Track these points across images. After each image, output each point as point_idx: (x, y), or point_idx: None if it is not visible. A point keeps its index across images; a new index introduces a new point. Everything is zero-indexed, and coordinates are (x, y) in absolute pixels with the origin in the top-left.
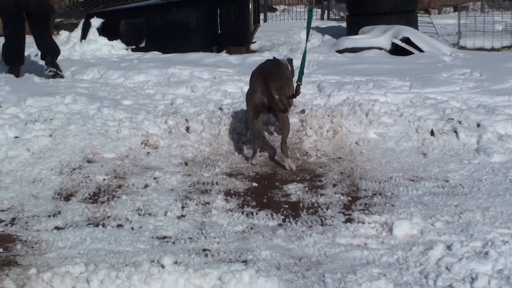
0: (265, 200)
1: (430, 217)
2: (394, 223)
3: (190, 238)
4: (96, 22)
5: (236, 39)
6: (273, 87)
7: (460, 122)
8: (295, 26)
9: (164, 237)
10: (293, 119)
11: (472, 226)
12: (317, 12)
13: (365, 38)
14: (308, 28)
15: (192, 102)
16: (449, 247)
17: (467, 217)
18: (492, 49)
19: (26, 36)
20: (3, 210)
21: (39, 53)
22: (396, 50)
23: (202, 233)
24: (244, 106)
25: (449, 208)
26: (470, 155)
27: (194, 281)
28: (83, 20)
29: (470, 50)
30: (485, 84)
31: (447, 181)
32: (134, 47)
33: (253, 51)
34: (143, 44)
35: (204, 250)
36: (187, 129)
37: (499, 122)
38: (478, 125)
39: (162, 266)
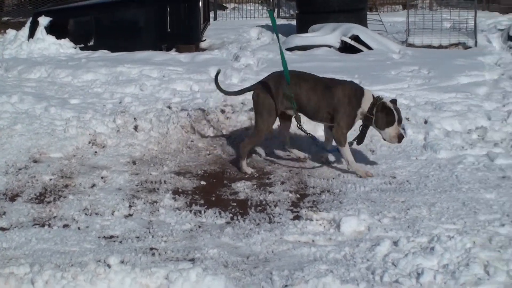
0: (213, 199)
1: (377, 214)
2: (342, 220)
3: (137, 237)
4: (44, 20)
5: (186, 37)
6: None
7: (408, 119)
8: (245, 24)
9: (111, 237)
10: (242, 117)
11: (418, 221)
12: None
13: (314, 36)
14: (275, 29)
15: (141, 101)
16: (395, 243)
17: (414, 213)
18: (440, 47)
19: None
20: None
21: None
22: (345, 48)
23: (149, 232)
24: (193, 104)
25: (396, 204)
26: (417, 152)
27: (140, 280)
28: (30, 18)
29: (419, 48)
30: (432, 81)
31: (395, 177)
32: (82, 45)
33: (203, 49)
34: (91, 43)
35: (151, 249)
36: (136, 127)
37: (446, 119)
38: (426, 122)
39: (108, 266)
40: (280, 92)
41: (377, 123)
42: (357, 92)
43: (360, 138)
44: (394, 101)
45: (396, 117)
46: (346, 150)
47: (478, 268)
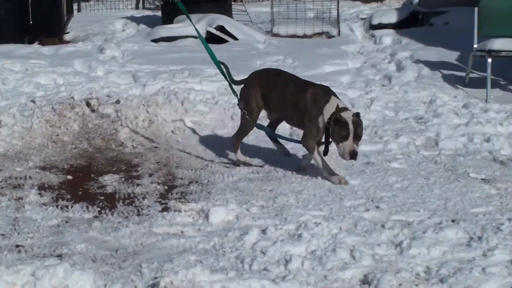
0: (80, 193)
1: (246, 203)
2: (210, 210)
3: (3, 235)
4: None
5: (49, 29)
6: None
7: None
8: (110, 16)
9: None
10: (108, 110)
11: (286, 209)
12: (132, 1)
13: (180, 27)
14: (189, 17)
15: (3, 95)
16: (264, 231)
17: (282, 201)
18: (305, 36)
19: None
20: None
21: None
22: (211, 39)
23: (15, 229)
24: (58, 98)
25: (264, 193)
26: (284, 140)
27: (6, 279)
28: None
29: (283, 37)
30: (297, 71)
31: (262, 166)
32: None
33: (67, 42)
34: None
35: (17, 246)
36: None
37: None
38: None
39: None
40: (258, 90)
41: (332, 136)
42: (322, 98)
43: (324, 149)
44: (357, 115)
45: (351, 132)
46: (316, 157)
47: (344, 253)
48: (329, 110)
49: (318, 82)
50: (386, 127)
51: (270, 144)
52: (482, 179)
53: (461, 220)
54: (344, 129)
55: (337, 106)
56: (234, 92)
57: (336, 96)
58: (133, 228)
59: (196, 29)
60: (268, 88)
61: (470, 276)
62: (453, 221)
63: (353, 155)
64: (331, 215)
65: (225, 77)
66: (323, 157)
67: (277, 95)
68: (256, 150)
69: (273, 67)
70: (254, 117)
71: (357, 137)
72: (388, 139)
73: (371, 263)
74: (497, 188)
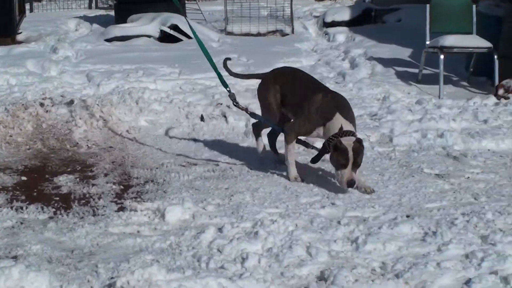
0: (35, 194)
1: (202, 201)
2: (166, 209)
3: None
4: None
5: (1, 30)
6: None
7: (229, 107)
8: (63, 15)
9: None
10: (62, 110)
11: (242, 207)
12: (84, 1)
13: (133, 26)
14: (183, 13)
15: None
16: (220, 230)
17: (238, 199)
18: (259, 34)
19: None
20: None
21: None
22: (165, 38)
23: None
24: (11, 98)
25: (220, 191)
26: (239, 139)
27: None
28: None
29: (238, 36)
30: (252, 69)
31: (218, 165)
32: None
33: (20, 42)
34: None
35: None
36: None
37: None
38: (247, 109)
39: None
40: (278, 88)
41: (331, 161)
42: (328, 111)
43: (314, 157)
44: (358, 141)
45: (351, 160)
46: (289, 149)
47: (301, 250)
48: (331, 129)
49: None
50: None
51: (227, 142)
52: (436, 174)
53: (416, 216)
54: (343, 157)
55: (341, 127)
56: (226, 85)
57: (342, 110)
58: (88, 228)
59: (197, 36)
60: (285, 86)
61: (425, 271)
62: (408, 216)
63: (351, 184)
64: (287, 213)
65: (217, 74)
66: (312, 163)
67: (291, 94)
68: (213, 147)
69: (292, 67)
70: (274, 112)
71: (356, 165)
72: None
73: (327, 260)
74: (450, 183)
